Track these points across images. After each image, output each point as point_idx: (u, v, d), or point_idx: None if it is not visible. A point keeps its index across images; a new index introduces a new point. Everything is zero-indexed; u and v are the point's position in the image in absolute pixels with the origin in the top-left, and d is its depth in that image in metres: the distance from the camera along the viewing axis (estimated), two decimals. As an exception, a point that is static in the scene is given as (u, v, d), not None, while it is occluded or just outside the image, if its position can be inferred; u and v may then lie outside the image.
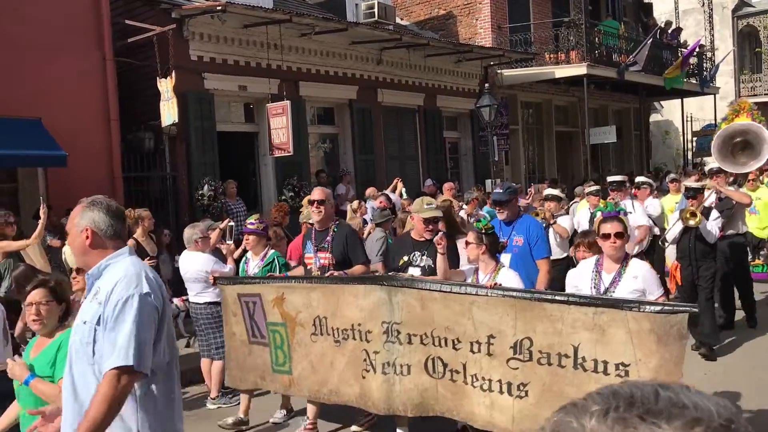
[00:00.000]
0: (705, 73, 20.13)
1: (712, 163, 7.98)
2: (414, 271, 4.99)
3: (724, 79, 24.43)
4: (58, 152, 8.36)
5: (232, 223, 6.86)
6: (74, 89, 9.07)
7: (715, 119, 21.42)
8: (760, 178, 11.16)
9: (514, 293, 4.00)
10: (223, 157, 10.94)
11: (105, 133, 9.48)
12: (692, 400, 0.73)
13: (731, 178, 9.99)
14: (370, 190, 11.14)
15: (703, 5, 20.83)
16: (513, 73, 16.00)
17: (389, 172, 13.44)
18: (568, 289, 4.44)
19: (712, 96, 20.78)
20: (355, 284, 4.73)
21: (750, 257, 9.02)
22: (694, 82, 19.66)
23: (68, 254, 6.97)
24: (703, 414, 0.71)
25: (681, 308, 3.48)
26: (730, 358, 6.97)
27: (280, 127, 10.63)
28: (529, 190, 12.79)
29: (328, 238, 5.35)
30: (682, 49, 19.09)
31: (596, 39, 16.12)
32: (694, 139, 23.72)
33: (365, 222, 8.92)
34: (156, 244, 7.82)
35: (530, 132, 17.89)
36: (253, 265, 5.85)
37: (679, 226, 7.11)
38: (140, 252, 7.40)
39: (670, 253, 7.77)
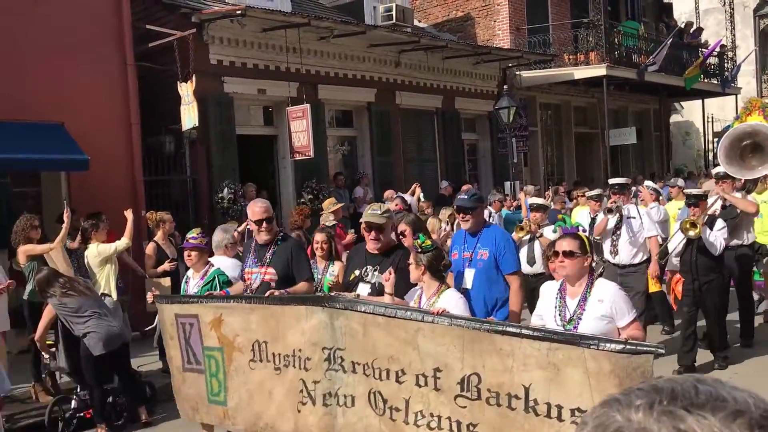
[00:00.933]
0: (726, 73, 19.92)
1: (718, 167, 7.43)
2: (363, 289, 4.46)
3: (746, 79, 24.12)
4: (81, 156, 8.44)
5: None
6: (96, 94, 9.16)
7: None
8: None
9: (462, 322, 3.53)
10: (242, 161, 11.00)
11: (126, 137, 9.56)
12: (731, 393, 0.75)
13: (740, 184, 9.59)
14: (388, 193, 11.12)
15: (724, 5, 20.62)
16: (531, 74, 15.93)
17: (407, 175, 13.43)
18: (533, 319, 4.07)
19: (734, 96, 20.53)
20: (296, 305, 4.21)
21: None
22: (716, 82, 19.45)
23: (91, 256, 7.03)
24: (743, 406, 0.73)
25: (645, 349, 3.12)
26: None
27: (300, 130, 10.66)
28: (546, 193, 12.73)
29: (269, 251, 4.80)
30: (703, 49, 18.91)
31: (616, 40, 16.01)
32: (716, 140, 23.42)
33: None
34: (175, 247, 7.87)
35: (549, 133, 17.80)
36: (193, 284, 5.34)
37: (680, 236, 6.70)
38: (160, 255, 7.48)
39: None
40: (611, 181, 8.15)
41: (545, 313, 3.88)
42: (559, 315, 3.76)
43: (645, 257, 6.97)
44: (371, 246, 4.53)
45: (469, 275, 4.63)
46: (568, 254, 3.74)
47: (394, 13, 13.55)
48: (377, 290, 4.38)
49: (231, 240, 6.22)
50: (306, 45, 11.37)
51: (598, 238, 7.25)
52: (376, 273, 4.48)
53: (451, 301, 3.96)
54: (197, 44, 9.89)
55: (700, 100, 20.33)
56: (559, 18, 17.06)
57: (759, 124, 7.17)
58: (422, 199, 10.83)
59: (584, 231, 6.05)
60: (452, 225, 8.94)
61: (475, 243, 4.77)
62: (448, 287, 4.22)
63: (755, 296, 8.28)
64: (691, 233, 6.35)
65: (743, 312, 7.56)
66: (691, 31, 19.55)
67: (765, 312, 8.56)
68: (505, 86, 14.30)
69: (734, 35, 20.64)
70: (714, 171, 7.50)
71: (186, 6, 10.21)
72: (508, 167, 14.43)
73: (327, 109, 12.34)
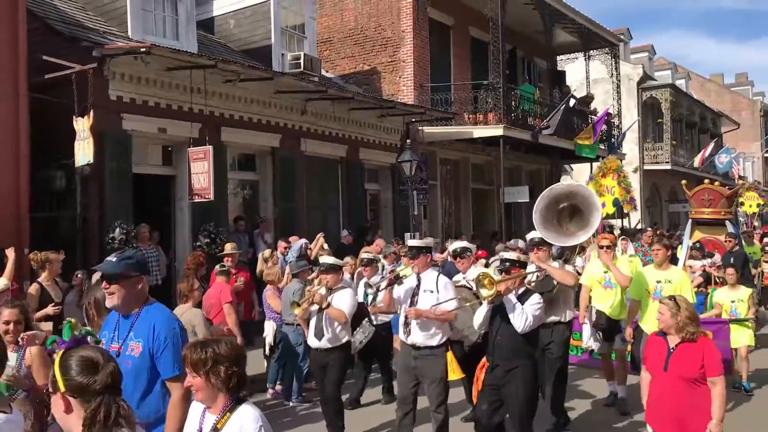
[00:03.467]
0: (613, 139, 21.29)
1: (533, 232, 6.66)
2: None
3: (630, 146, 25.91)
4: (-40, 188, 7.91)
5: None
6: (-18, 123, 8.66)
7: (621, 183, 22.63)
8: (619, 245, 10.29)
9: None
10: (138, 200, 10.64)
11: (13, 169, 9.04)
12: None
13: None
14: (292, 239, 11.09)
15: (611, 76, 22.15)
16: (433, 130, 16.45)
17: (310, 222, 13.42)
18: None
19: (620, 161, 21.92)
20: None
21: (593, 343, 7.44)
22: (603, 147, 20.74)
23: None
24: None
25: None
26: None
27: (200, 171, 10.46)
28: (446, 244, 13.03)
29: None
30: (593, 116, 20.18)
31: (513, 102, 16.82)
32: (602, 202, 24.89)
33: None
34: (61, 289, 7.45)
35: (448, 188, 18.33)
36: None
37: (486, 307, 5.37)
38: (44, 297, 7.05)
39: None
40: (410, 242, 6.69)
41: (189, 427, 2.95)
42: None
43: (445, 338, 5.85)
44: None
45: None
46: None
47: (302, 61, 13.70)
48: None
49: None
50: (211, 86, 11.26)
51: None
52: None
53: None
54: (97, 79, 9.58)
55: (589, 164, 21.58)
56: (461, 78, 17.81)
57: (577, 185, 6.51)
58: (325, 247, 10.86)
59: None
60: (352, 275, 8.97)
61: (127, 330, 3.51)
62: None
63: (610, 387, 7.62)
64: (484, 292, 5.13)
65: (553, 397, 6.65)
66: (579, 98, 20.84)
67: (617, 399, 7.49)
68: (408, 140, 14.72)
69: (620, 105, 22.15)
70: (528, 236, 6.61)
71: (88, 39, 9.91)
72: (408, 219, 14.71)
73: (229, 152, 12.20)
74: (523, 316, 5.14)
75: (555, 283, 6.45)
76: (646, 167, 28.10)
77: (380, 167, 15.93)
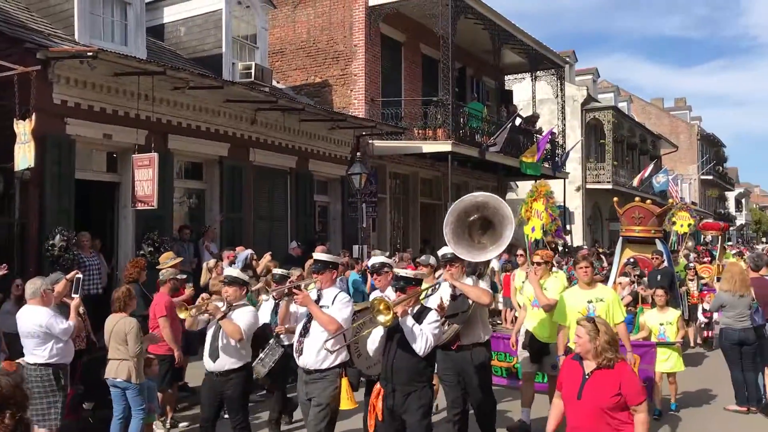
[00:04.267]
0: (557, 158, 21.83)
1: (445, 248, 6.06)
2: None
3: (573, 165, 26.59)
4: None
5: (79, 275, 6.31)
6: None
7: (564, 201, 23.22)
8: (556, 262, 10.66)
9: None
10: (80, 207, 10.39)
11: (-53, 172, 8.75)
12: None
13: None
14: (239, 249, 10.99)
15: (557, 96, 22.74)
16: (383, 144, 16.57)
17: (257, 233, 13.33)
18: None
19: (563, 180, 22.50)
20: None
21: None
22: (547, 166, 21.24)
23: None
24: None
25: None
26: None
27: (145, 179, 10.30)
28: (394, 258, 13.11)
29: None
30: (538, 135, 20.68)
31: (462, 119, 17.10)
32: (546, 218, 25.45)
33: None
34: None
35: (397, 201, 18.47)
36: None
37: (380, 331, 5.00)
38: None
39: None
40: (316, 255, 6.07)
41: None
42: None
43: (338, 360, 5.38)
44: None
45: None
46: None
47: (253, 71, 13.64)
48: None
49: (48, 285, 5.81)
50: (159, 93, 11.12)
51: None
52: None
53: None
54: (40, 82, 9.35)
55: (534, 182, 22.03)
56: (411, 94, 18.03)
57: (487, 195, 5.97)
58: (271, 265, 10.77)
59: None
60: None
61: None
62: None
63: (522, 415, 7.14)
64: (381, 318, 4.69)
65: (482, 424, 6.24)
66: (525, 117, 21.34)
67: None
68: (358, 153, 14.80)
69: (564, 125, 22.75)
70: (440, 252, 6.15)
71: (32, 41, 9.67)
72: (357, 231, 14.75)
73: (176, 160, 12.04)
74: (423, 338, 4.77)
75: (471, 302, 5.91)
76: (588, 186, 28.86)
77: (330, 179, 15.95)
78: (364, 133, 15.89)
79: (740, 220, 64.72)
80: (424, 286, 7.19)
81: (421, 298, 5.22)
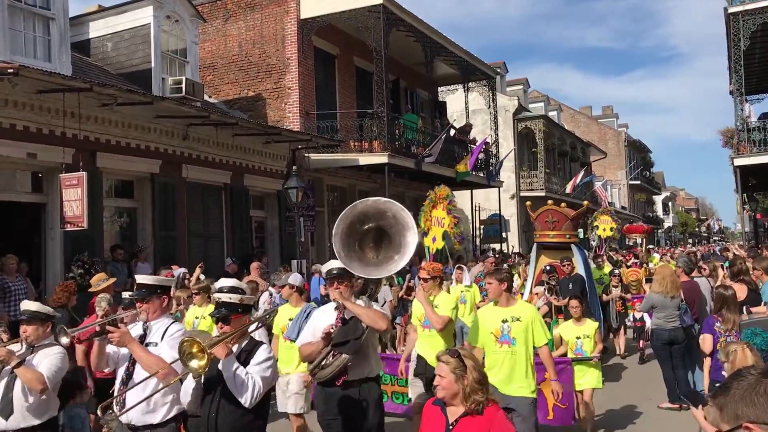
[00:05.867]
0: (491, 167, 22.24)
1: (331, 261, 5.21)
2: None
3: (507, 174, 27.15)
4: None
5: None
6: None
7: (500, 209, 23.65)
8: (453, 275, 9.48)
9: None
10: (4, 230, 9.98)
11: None
12: None
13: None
14: (174, 268, 10.75)
15: (489, 107, 23.19)
16: (320, 157, 16.54)
17: (192, 250, 13.07)
18: None
19: (497, 189, 22.94)
20: None
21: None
22: (482, 175, 21.61)
23: None
24: None
25: None
26: None
27: (73, 199, 9.98)
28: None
29: None
30: (472, 145, 21.02)
31: (397, 131, 17.24)
32: (482, 227, 25.88)
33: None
34: None
35: (336, 214, 18.26)
36: None
37: (192, 382, 4.00)
38: None
39: None
40: (140, 279, 4.74)
41: None
42: None
43: (174, 412, 4.31)
44: None
45: None
46: None
47: (183, 86, 13.43)
48: None
49: None
50: (86, 110, 10.81)
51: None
52: None
53: None
54: (-43, 100, 8.97)
55: (470, 191, 22.40)
56: (346, 107, 18.08)
57: (387, 202, 5.06)
58: (203, 278, 10.59)
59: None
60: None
61: None
62: None
63: None
64: (194, 364, 3.70)
65: None
66: (458, 127, 21.68)
67: None
68: (294, 167, 14.72)
69: (497, 134, 23.21)
70: (324, 268, 5.25)
71: (-54, 58, 9.27)
72: (295, 245, 14.64)
73: (105, 179, 11.71)
74: (250, 384, 3.82)
75: (364, 326, 4.70)
76: (522, 194, 29.48)
77: (266, 194, 15.80)
78: (299, 146, 15.82)
79: (668, 223, 67.33)
80: (286, 312, 6.61)
81: (250, 330, 4.25)
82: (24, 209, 10.79)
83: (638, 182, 51.34)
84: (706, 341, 6.36)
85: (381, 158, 16.09)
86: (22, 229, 10.88)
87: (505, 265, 13.02)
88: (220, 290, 4.27)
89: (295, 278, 7.03)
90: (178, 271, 10.59)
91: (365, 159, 16.44)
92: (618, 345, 12.20)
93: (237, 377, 3.82)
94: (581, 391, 7.32)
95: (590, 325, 7.67)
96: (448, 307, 6.33)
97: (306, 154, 16.33)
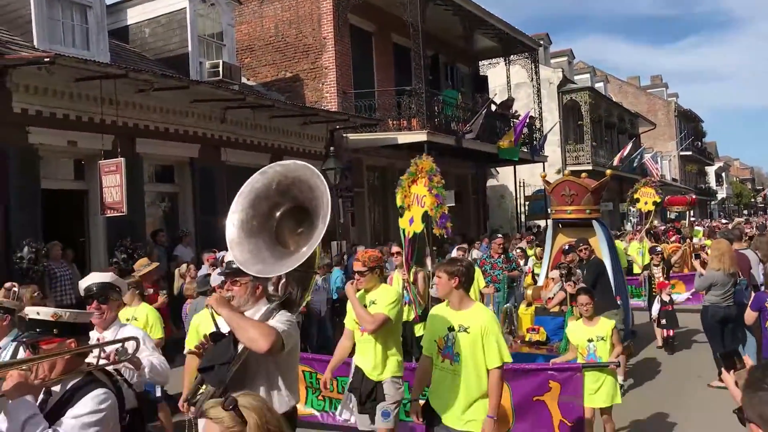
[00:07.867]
0: (535, 142, 21.77)
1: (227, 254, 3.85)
2: None
3: (552, 148, 26.57)
4: None
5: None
6: None
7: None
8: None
9: None
10: (49, 217, 10.16)
11: None
12: None
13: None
14: (216, 252, 10.79)
15: (532, 80, 22.66)
16: (358, 137, 16.40)
17: (232, 233, 13.10)
18: None
19: (542, 164, 22.46)
20: None
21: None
22: (526, 150, 21.18)
23: None
24: None
25: None
26: None
27: (113, 185, 10.09)
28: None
29: None
30: (515, 120, 20.58)
31: (436, 108, 16.94)
32: (527, 203, 25.44)
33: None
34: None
35: (375, 195, 18.31)
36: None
37: None
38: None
39: None
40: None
41: None
42: None
43: None
44: None
45: None
46: None
47: (221, 69, 13.43)
48: None
49: None
50: (123, 97, 10.89)
51: None
52: None
53: None
54: (-3, 91, 9.12)
55: (513, 167, 21.99)
56: (384, 84, 17.83)
57: (297, 165, 3.50)
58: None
59: None
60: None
61: None
62: None
63: None
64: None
65: None
66: (500, 102, 21.24)
67: None
68: (332, 147, 14.61)
69: (541, 108, 22.68)
70: (213, 278, 4.03)
71: (-15, 49, 9.42)
72: (335, 227, 14.58)
73: (146, 164, 11.81)
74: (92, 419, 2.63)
75: (241, 348, 3.21)
76: (568, 168, 28.87)
77: (305, 175, 15.72)
78: (338, 126, 15.70)
79: (722, 194, 65.29)
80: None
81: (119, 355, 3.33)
82: (68, 196, 10.97)
83: (689, 153, 49.76)
84: (749, 317, 5.99)
85: (420, 136, 15.86)
86: (67, 216, 11.08)
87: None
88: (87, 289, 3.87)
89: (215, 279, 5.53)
90: (220, 254, 10.63)
91: (404, 137, 16.22)
92: (657, 336, 10.43)
93: (27, 426, 2.48)
94: (596, 408, 5.70)
95: (605, 325, 6.00)
96: (386, 302, 4.81)
97: (344, 135, 16.21)
